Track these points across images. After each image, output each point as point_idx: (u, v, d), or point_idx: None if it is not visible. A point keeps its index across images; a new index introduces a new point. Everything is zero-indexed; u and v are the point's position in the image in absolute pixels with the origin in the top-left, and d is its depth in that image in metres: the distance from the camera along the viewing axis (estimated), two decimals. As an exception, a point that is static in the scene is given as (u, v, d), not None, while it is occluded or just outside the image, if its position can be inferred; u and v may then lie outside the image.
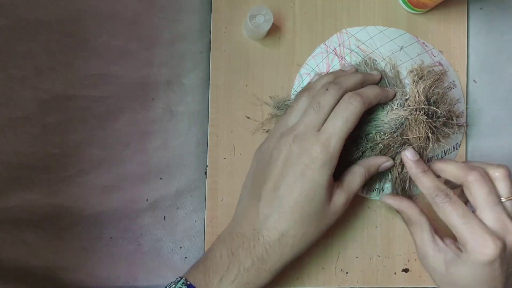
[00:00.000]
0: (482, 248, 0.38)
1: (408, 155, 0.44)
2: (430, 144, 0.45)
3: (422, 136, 0.45)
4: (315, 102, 0.41)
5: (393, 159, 0.46)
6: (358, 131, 0.45)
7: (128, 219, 0.47)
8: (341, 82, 0.43)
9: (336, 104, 0.41)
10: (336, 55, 0.49)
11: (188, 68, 0.49)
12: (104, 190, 0.45)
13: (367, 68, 0.48)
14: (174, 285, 0.41)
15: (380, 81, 0.47)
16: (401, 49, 0.50)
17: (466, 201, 0.42)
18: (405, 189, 0.48)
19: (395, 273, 0.50)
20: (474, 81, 0.52)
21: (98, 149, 0.44)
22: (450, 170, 0.43)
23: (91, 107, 0.42)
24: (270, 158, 0.41)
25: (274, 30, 0.49)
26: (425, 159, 0.47)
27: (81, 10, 0.40)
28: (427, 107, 0.44)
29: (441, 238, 0.43)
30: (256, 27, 0.46)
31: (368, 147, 0.46)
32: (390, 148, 0.46)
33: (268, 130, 0.48)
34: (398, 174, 0.47)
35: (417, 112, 0.44)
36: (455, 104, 0.49)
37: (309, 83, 0.47)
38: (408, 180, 0.48)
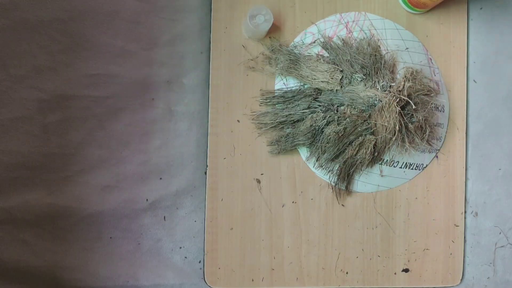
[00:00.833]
0: None
1: None
2: (394, 139, 0.45)
3: (389, 126, 0.44)
4: None
5: (361, 144, 0.46)
6: (331, 100, 0.45)
7: (128, 219, 0.47)
8: None
9: None
10: (346, 28, 0.49)
11: (188, 68, 0.49)
12: (104, 190, 0.45)
13: (369, 48, 0.48)
14: None
15: (375, 62, 0.47)
16: (406, 49, 0.50)
17: None
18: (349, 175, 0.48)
19: (395, 273, 0.50)
20: (474, 81, 0.52)
21: (98, 149, 0.44)
22: None
23: (91, 107, 0.42)
24: None
25: (274, 30, 0.49)
26: (383, 159, 0.47)
27: (81, 10, 0.40)
28: (405, 98, 0.44)
29: None
30: (256, 27, 0.46)
31: (336, 117, 0.46)
32: (356, 128, 0.46)
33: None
34: (350, 157, 0.47)
35: (394, 99, 0.44)
36: (434, 123, 0.49)
37: None
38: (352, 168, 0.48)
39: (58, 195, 0.41)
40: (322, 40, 0.48)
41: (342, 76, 0.47)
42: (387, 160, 0.48)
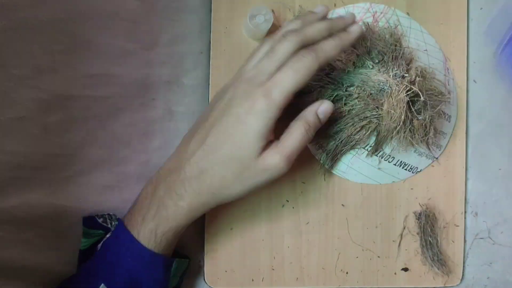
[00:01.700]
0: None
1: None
2: (398, 129, 0.44)
3: (395, 114, 0.44)
4: (271, 48, 0.40)
5: (363, 126, 0.46)
6: (342, 79, 0.45)
7: (128, 219, 0.47)
8: (302, 30, 0.41)
9: (292, 53, 0.39)
10: (373, 17, 0.49)
11: (188, 68, 0.49)
12: (104, 190, 0.45)
13: (391, 39, 0.47)
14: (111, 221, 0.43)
15: (393, 51, 0.46)
16: (425, 50, 0.49)
17: None
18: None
19: (395, 273, 0.50)
20: (474, 81, 0.52)
21: (98, 149, 0.44)
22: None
23: (91, 107, 0.42)
24: (217, 100, 0.41)
25: (274, 30, 0.49)
26: (383, 150, 0.47)
27: (81, 10, 0.40)
28: (415, 89, 0.44)
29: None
30: (256, 27, 0.46)
31: (344, 96, 0.45)
32: (365, 112, 0.45)
33: None
34: (348, 135, 0.47)
35: (404, 88, 0.43)
36: (438, 129, 0.49)
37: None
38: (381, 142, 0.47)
39: (58, 195, 0.41)
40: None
41: (358, 58, 0.46)
42: (386, 153, 0.48)
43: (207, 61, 0.49)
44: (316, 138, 0.47)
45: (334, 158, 0.48)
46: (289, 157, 0.39)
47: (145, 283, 0.41)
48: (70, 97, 0.41)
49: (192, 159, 0.39)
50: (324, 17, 0.44)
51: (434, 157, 0.50)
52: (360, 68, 0.46)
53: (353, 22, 0.44)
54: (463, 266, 0.51)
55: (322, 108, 0.41)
